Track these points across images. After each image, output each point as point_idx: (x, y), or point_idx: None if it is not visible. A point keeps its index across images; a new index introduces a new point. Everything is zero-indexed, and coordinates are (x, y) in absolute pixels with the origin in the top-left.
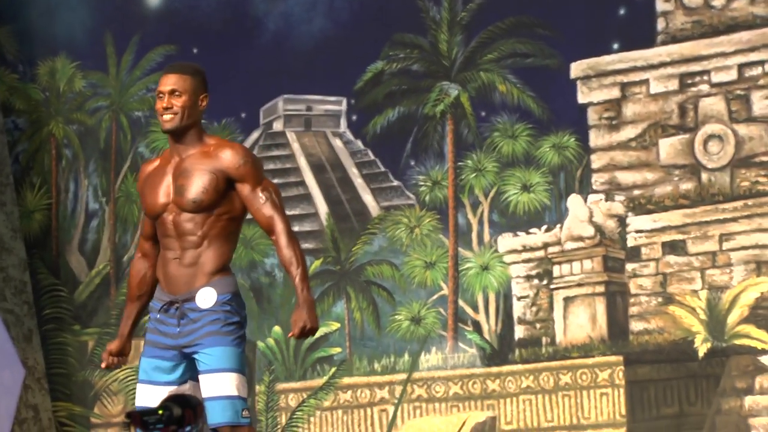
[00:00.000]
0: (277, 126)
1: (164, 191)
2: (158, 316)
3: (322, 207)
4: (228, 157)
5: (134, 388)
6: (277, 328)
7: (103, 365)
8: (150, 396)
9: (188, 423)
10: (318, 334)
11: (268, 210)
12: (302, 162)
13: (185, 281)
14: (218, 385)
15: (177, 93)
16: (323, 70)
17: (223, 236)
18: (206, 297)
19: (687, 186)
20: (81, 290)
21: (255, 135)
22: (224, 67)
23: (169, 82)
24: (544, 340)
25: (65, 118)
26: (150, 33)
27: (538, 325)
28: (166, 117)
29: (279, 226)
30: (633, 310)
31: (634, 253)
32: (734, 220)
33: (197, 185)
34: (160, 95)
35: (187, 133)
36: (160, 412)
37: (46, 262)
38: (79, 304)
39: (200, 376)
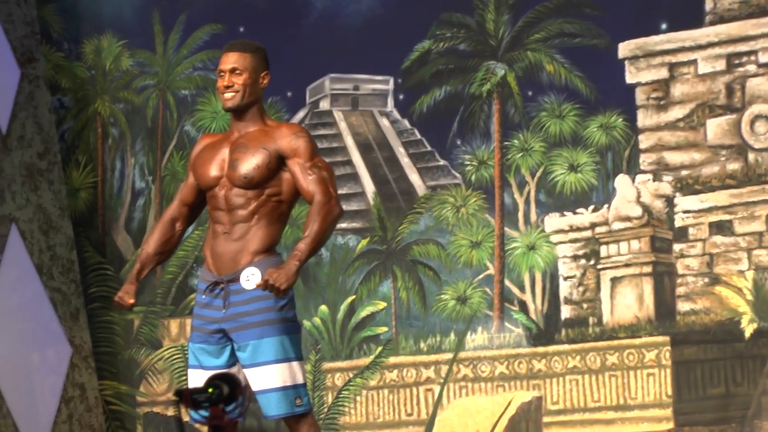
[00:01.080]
0: (324, 105)
1: (218, 165)
2: (204, 297)
3: (368, 186)
4: (282, 135)
5: (179, 367)
6: (323, 308)
7: (131, 302)
8: (201, 380)
9: (235, 401)
10: (364, 314)
11: (313, 185)
12: (349, 141)
13: (231, 257)
14: (268, 378)
15: (238, 71)
16: (370, 49)
17: (273, 217)
18: (250, 277)
19: (734, 166)
20: (127, 269)
21: (301, 114)
22: (271, 46)
23: (230, 60)
24: (590, 320)
25: (111, 96)
26: (197, 12)
27: (584, 305)
28: (227, 95)
29: (317, 198)
30: (680, 290)
31: (682, 234)
32: None
33: (250, 161)
34: (221, 74)
35: (248, 111)
36: (210, 390)
37: (92, 240)
38: None
39: (248, 369)
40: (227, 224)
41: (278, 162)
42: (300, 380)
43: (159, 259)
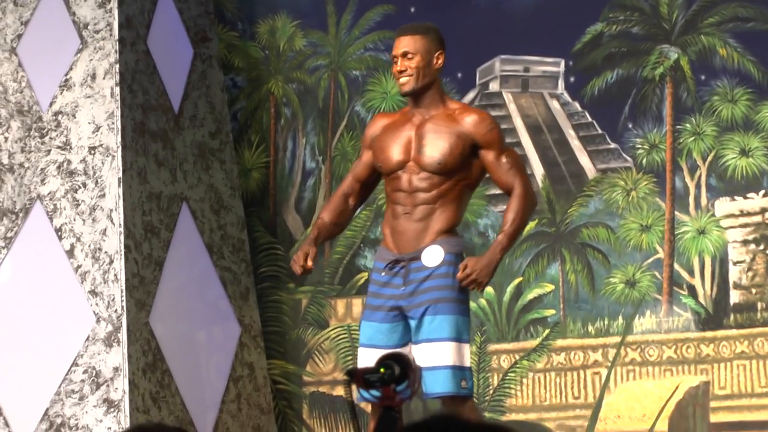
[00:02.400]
0: (494, 86)
1: (403, 149)
2: (382, 275)
3: (538, 168)
4: (475, 123)
5: (345, 347)
6: (489, 289)
7: (309, 265)
8: (372, 359)
9: (406, 381)
10: (531, 296)
11: (511, 177)
12: (518, 123)
13: (413, 237)
14: (440, 354)
15: (410, 55)
16: (541, 31)
17: (457, 201)
18: (433, 255)
19: None
20: (296, 249)
21: (471, 95)
22: (441, 26)
23: (401, 44)
24: (759, 305)
25: (284, 76)
26: None
27: (753, 291)
28: (402, 80)
29: (518, 190)
30: None
31: None
32: None
33: (443, 147)
34: (395, 59)
35: (426, 94)
36: (382, 370)
37: (262, 220)
38: None
39: (419, 345)
40: (409, 205)
41: (471, 149)
42: (467, 363)
43: (334, 231)
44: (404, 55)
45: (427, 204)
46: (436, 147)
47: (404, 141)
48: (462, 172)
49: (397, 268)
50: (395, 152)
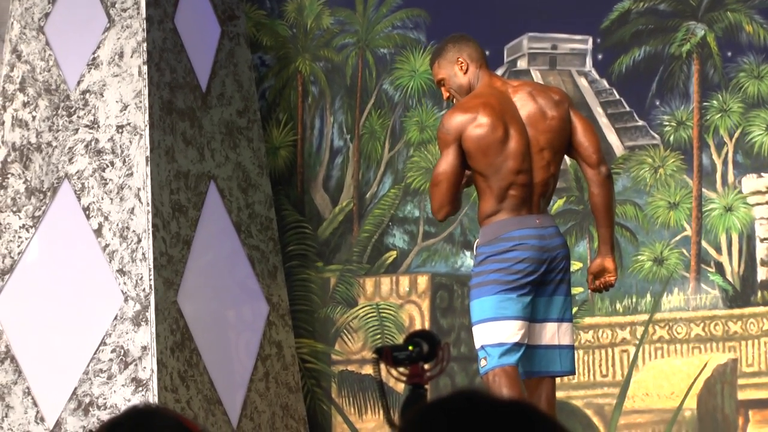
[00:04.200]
0: (522, 64)
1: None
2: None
3: None
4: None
5: (374, 326)
6: None
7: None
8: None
9: (435, 359)
10: None
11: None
12: None
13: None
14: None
15: (442, 82)
16: (569, 9)
17: (479, 191)
18: (475, 246)
19: None
20: (324, 227)
21: (499, 73)
22: (468, 4)
23: (433, 74)
24: None
25: (312, 54)
26: None
27: None
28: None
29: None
30: None
31: None
32: None
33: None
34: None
35: (474, 88)
36: (410, 348)
37: (290, 198)
38: (323, 241)
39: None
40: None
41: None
42: (485, 341)
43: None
44: (439, 83)
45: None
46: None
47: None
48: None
49: None
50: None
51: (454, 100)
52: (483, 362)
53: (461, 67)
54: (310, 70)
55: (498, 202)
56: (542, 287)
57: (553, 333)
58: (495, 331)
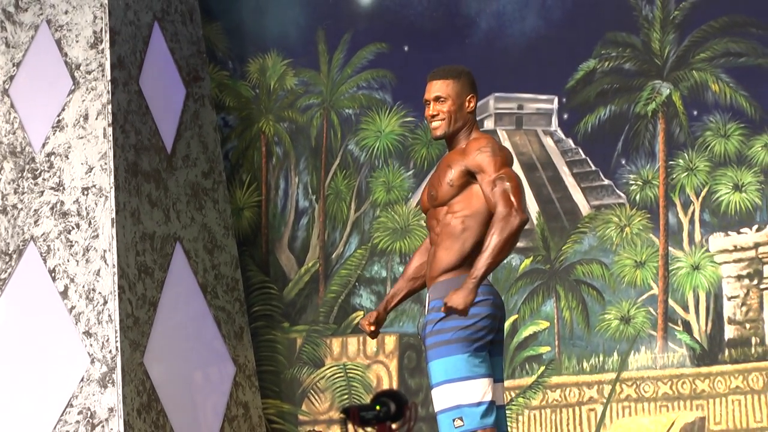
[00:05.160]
0: (488, 124)
1: (427, 192)
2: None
3: (532, 206)
4: (470, 150)
5: (341, 386)
6: None
7: (371, 329)
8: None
9: (402, 418)
10: (527, 333)
11: (495, 197)
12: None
13: (428, 280)
14: (435, 401)
15: (441, 99)
16: (534, 69)
17: (455, 234)
18: (426, 303)
19: None
20: (290, 288)
21: None
22: (436, 65)
23: (433, 89)
24: (753, 340)
25: (276, 115)
26: (361, 31)
27: (747, 326)
28: (435, 124)
29: (497, 210)
30: None
31: None
32: None
33: (438, 180)
34: (426, 103)
35: (457, 136)
36: (378, 408)
37: (255, 259)
38: (289, 301)
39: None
40: (432, 245)
41: (464, 177)
42: (464, 401)
43: (413, 286)
44: (436, 99)
45: (435, 242)
46: (433, 182)
47: (430, 185)
48: (457, 204)
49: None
50: (423, 197)
51: (438, 124)
52: (458, 422)
53: (470, 103)
54: (274, 130)
55: (466, 255)
56: (494, 346)
57: (502, 393)
58: (471, 390)
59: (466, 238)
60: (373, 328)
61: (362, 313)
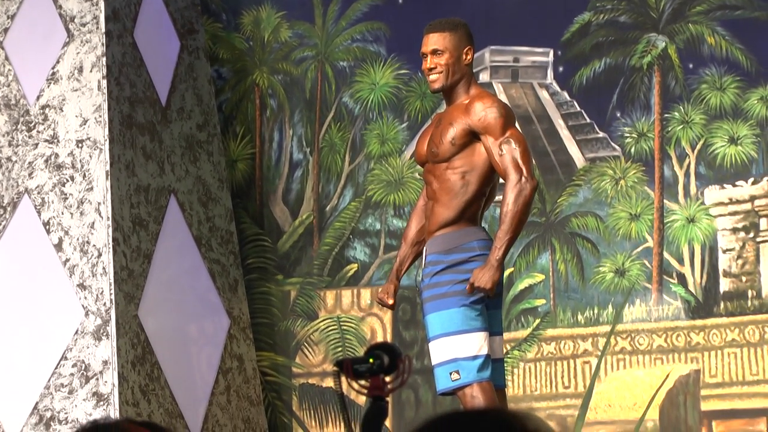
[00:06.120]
0: (484, 77)
1: (424, 145)
2: None
3: None
4: (472, 109)
5: (335, 338)
6: None
7: (390, 302)
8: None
9: (395, 371)
10: (522, 286)
11: (504, 163)
12: None
13: (426, 234)
14: (432, 354)
15: (439, 52)
16: (530, 22)
17: (454, 190)
18: (424, 256)
19: None
20: (284, 240)
21: None
22: (430, 18)
23: (430, 42)
24: (749, 293)
25: (270, 68)
26: None
27: (743, 278)
28: (432, 77)
29: (509, 178)
30: None
31: None
32: None
33: (439, 137)
34: (424, 56)
35: (455, 90)
36: (371, 360)
37: (249, 212)
38: (282, 254)
39: None
40: (429, 199)
41: (467, 136)
42: (461, 354)
43: (417, 250)
44: (433, 52)
45: (433, 197)
46: (436, 138)
47: (428, 137)
48: (460, 160)
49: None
50: (419, 150)
51: (436, 77)
52: (455, 375)
53: (467, 55)
54: (268, 83)
55: (464, 210)
56: (492, 300)
57: (500, 346)
58: (467, 344)
59: (466, 193)
60: (392, 301)
61: (356, 265)
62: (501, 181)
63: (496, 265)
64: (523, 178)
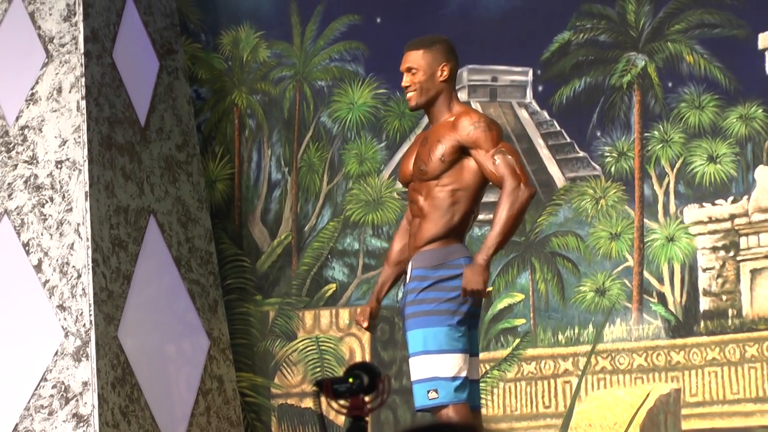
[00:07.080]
0: (462, 96)
1: (409, 163)
2: None
3: None
4: (460, 125)
5: (313, 359)
6: None
7: (365, 325)
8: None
9: (375, 391)
10: (501, 306)
11: (500, 171)
12: None
13: (409, 248)
14: (411, 370)
15: (413, 70)
16: (509, 41)
17: (443, 207)
18: (408, 271)
19: None
20: (263, 260)
21: None
22: (408, 37)
23: (406, 60)
24: (730, 312)
25: (248, 87)
26: (334, 2)
27: (724, 297)
28: (408, 95)
29: (505, 185)
30: None
31: None
32: None
33: (426, 154)
34: (402, 74)
35: (434, 107)
36: (351, 380)
37: (228, 232)
38: (261, 274)
39: None
40: (412, 217)
41: (456, 152)
42: (440, 374)
43: (399, 271)
44: (407, 70)
45: (420, 214)
46: (424, 156)
47: (412, 156)
48: (447, 177)
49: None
50: (404, 169)
51: (411, 95)
52: (433, 394)
53: (442, 72)
54: (247, 103)
55: (453, 227)
56: (473, 320)
57: (476, 367)
58: (448, 364)
59: (455, 211)
60: (366, 324)
61: (335, 286)
62: (486, 199)
63: (484, 265)
64: (522, 185)
